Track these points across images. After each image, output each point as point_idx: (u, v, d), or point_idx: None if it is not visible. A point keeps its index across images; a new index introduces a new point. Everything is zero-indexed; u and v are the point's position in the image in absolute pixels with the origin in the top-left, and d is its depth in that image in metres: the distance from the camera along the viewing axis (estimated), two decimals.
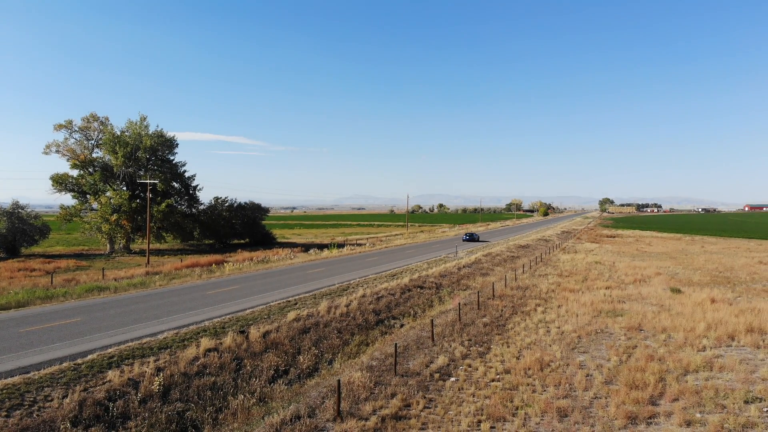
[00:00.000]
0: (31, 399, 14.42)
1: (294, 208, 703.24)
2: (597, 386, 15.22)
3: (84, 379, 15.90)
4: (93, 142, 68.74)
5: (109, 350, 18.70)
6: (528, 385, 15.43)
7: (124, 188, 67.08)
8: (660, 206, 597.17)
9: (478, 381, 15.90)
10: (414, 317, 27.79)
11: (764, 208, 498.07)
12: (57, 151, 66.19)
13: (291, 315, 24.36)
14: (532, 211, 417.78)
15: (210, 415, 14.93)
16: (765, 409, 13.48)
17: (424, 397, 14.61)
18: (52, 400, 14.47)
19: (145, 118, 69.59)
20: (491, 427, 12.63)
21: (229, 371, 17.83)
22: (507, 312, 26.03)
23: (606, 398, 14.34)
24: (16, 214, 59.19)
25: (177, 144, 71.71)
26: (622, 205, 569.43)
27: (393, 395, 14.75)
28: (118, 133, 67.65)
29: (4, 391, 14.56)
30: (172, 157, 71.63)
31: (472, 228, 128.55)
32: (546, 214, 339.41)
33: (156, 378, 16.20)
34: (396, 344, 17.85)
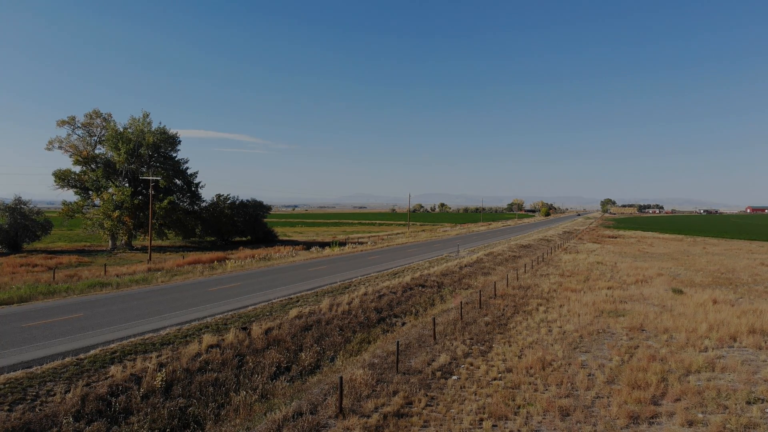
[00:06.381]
0: (34, 393, 14.46)
1: (296, 206, 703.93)
2: (599, 386, 15.21)
3: (86, 374, 15.93)
4: (95, 138, 68.88)
5: (112, 346, 18.75)
6: (530, 384, 15.42)
7: (127, 185, 67.18)
8: (662, 207, 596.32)
9: (479, 379, 15.90)
10: (416, 316, 27.80)
11: (766, 210, 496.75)
12: (59, 147, 66.36)
13: (293, 312, 24.38)
14: (533, 211, 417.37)
15: (212, 411, 14.94)
16: (767, 410, 13.46)
17: (426, 395, 14.61)
18: (54, 394, 14.51)
19: (147, 115, 69.75)
20: (493, 426, 12.63)
21: (231, 367, 17.85)
22: (509, 311, 26.02)
23: (608, 398, 14.33)
24: (18, 210, 59.36)
25: (179, 141, 71.85)
26: (624, 206, 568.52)
27: (395, 393, 14.75)
28: (121, 129, 67.79)
29: (7, 386, 14.61)
30: (174, 154, 71.77)
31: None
32: (547, 214, 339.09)
33: (158, 374, 16.23)
34: (398, 342, 17.84)
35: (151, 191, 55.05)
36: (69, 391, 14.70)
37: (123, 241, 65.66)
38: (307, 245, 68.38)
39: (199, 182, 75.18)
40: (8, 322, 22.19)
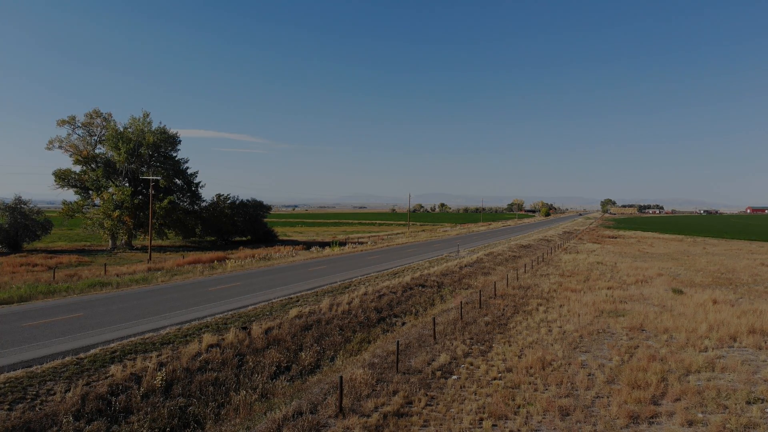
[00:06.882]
0: (34, 393, 14.46)
1: (296, 206, 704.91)
2: (599, 385, 15.21)
3: (86, 374, 15.93)
4: (96, 138, 68.91)
5: (112, 345, 18.75)
6: (530, 383, 15.43)
7: (127, 184, 67.19)
8: (662, 207, 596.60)
9: (479, 379, 15.90)
10: (416, 315, 27.80)
11: (766, 210, 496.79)
12: (60, 147, 66.41)
13: (293, 312, 24.38)
14: (533, 211, 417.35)
15: (212, 410, 14.94)
16: (767, 410, 13.46)
17: (426, 395, 14.61)
18: (54, 393, 14.50)
19: (147, 115, 69.78)
20: (493, 425, 12.63)
21: (231, 367, 17.85)
22: (509, 311, 26.03)
23: (608, 397, 14.33)
24: (18, 210, 59.38)
25: (179, 141, 71.88)
26: (624, 206, 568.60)
27: (395, 392, 14.75)
28: (121, 129, 67.81)
29: (7, 385, 14.60)
30: (174, 154, 71.79)
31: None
32: (548, 214, 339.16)
33: (158, 373, 16.22)
34: (398, 342, 17.85)
35: (151, 191, 55.08)
36: (69, 390, 14.70)
37: (123, 241, 65.66)
38: (307, 245, 68.38)
39: (200, 182, 75.24)
40: (8, 322, 22.20)
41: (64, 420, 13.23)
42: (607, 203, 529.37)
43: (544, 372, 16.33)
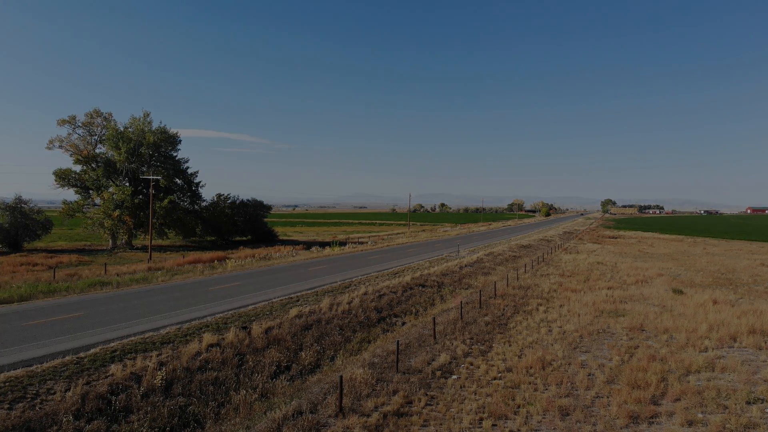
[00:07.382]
0: (34, 392, 14.47)
1: (296, 206, 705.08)
2: (599, 385, 15.21)
3: (86, 373, 15.95)
4: (96, 137, 68.97)
5: (112, 344, 18.77)
6: (530, 383, 15.42)
7: (127, 184, 67.23)
8: (662, 208, 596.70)
9: (479, 379, 15.90)
10: (416, 315, 27.80)
11: (766, 211, 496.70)
12: (60, 147, 66.48)
13: (293, 311, 24.39)
14: (533, 211, 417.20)
15: (212, 409, 14.95)
16: (767, 410, 13.46)
17: (426, 395, 14.61)
18: (54, 393, 14.51)
19: (148, 115, 69.82)
20: (493, 425, 12.63)
21: (231, 366, 17.85)
22: (509, 311, 26.02)
23: (608, 397, 14.32)
24: (18, 209, 59.43)
25: (180, 140, 71.91)
26: (624, 207, 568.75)
27: (395, 392, 14.75)
28: (121, 129, 67.86)
29: (7, 384, 14.62)
30: (174, 154, 71.84)
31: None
32: (548, 214, 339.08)
33: (158, 372, 16.23)
34: (398, 342, 17.85)
35: (151, 191, 55.08)
36: (69, 389, 14.71)
37: (123, 241, 65.70)
38: (308, 245, 68.40)
39: (200, 182, 75.30)
40: (8, 321, 22.21)
41: (64, 419, 13.24)
42: (608, 203, 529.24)
43: (544, 372, 16.32)
